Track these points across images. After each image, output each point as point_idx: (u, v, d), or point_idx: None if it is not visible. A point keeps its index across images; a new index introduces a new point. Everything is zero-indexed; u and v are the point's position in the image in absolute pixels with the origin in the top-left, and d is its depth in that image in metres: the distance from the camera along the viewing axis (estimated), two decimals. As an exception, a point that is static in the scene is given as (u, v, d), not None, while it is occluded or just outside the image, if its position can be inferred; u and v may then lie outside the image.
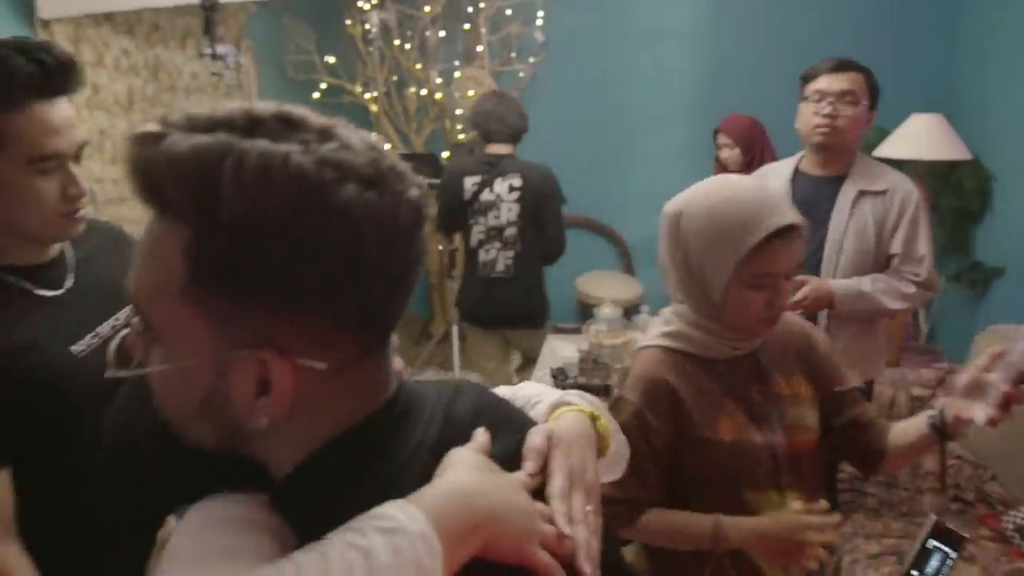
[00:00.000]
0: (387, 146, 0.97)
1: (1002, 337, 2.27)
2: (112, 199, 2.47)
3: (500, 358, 2.78)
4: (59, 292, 1.07)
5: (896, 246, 1.85)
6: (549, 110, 3.79)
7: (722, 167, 2.70)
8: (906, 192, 1.86)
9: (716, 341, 1.09)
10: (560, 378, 2.36)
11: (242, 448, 0.54)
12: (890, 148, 2.94)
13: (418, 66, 3.87)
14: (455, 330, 3.13)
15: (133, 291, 0.51)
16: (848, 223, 1.85)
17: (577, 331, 2.77)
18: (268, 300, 0.47)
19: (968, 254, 3.33)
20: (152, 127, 0.47)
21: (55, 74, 0.96)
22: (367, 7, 3.41)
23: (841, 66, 1.88)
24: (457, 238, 3.01)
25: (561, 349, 2.64)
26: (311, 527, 0.49)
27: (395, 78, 3.89)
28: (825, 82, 1.86)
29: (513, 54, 3.87)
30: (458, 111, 3.83)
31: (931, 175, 3.38)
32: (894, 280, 1.84)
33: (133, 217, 2.58)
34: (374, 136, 0.57)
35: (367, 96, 3.83)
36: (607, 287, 3.78)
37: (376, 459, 0.54)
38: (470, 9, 3.77)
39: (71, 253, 1.11)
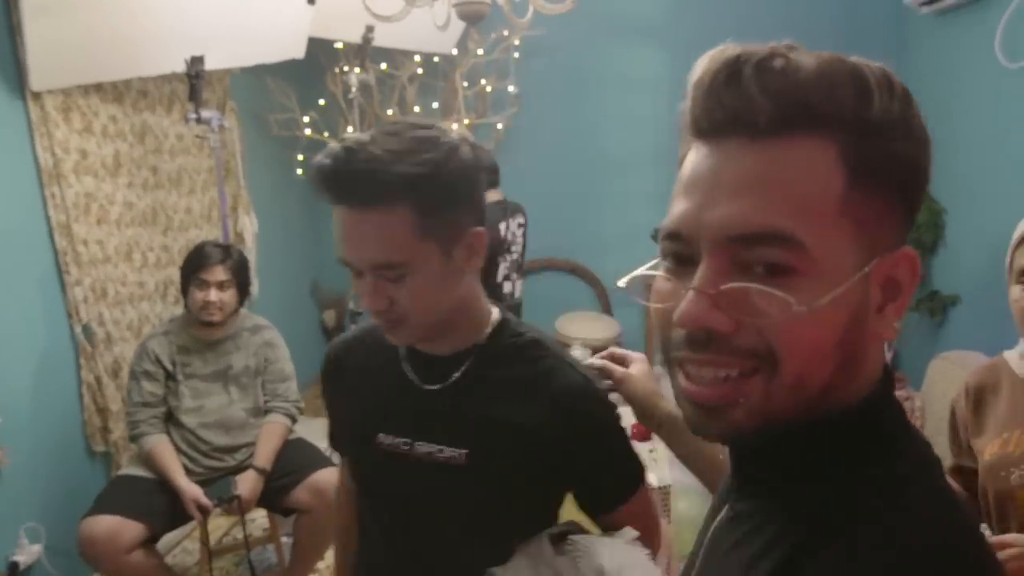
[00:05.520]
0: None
1: (952, 363, 2.39)
2: (96, 259, 2.55)
3: None
4: None
5: None
6: (525, 159, 3.97)
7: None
8: None
9: None
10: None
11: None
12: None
13: (397, 120, 4.01)
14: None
15: (760, 227, 0.44)
16: None
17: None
18: (903, 194, 0.48)
19: (925, 283, 3.48)
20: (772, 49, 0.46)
21: None
22: (347, 69, 3.58)
23: None
24: None
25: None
26: None
27: (375, 132, 4.04)
28: None
29: (489, 107, 4.05)
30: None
31: (887, 210, 3.54)
32: None
33: (117, 276, 2.66)
34: None
35: (348, 150, 3.97)
36: (585, 328, 3.88)
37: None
38: (446, 67, 3.96)
39: None
